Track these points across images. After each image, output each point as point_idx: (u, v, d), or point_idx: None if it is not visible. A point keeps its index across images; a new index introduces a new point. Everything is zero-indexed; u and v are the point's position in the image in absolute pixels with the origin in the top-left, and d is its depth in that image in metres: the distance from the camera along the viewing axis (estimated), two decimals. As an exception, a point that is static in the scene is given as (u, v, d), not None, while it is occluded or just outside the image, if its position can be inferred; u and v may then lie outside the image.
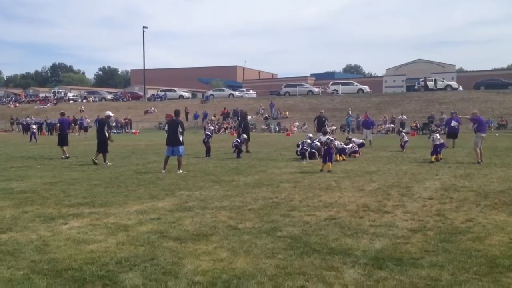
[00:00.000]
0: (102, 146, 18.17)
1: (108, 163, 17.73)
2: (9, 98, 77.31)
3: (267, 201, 9.93)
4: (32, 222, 8.13)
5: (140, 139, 36.54)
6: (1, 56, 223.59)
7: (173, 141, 15.23)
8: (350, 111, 46.30)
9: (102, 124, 18.63)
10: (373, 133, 30.39)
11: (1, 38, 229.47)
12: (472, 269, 5.45)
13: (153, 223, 7.99)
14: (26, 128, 46.73)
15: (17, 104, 71.78)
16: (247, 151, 21.17)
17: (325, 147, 15.35)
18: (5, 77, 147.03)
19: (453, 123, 25.26)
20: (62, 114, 23.43)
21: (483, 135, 17.67)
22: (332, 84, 62.02)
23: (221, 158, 19.93)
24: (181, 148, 15.25)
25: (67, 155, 20.50)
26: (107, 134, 18.29)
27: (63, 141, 21.13)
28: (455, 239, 6.76)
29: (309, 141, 19.02)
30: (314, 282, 5.10)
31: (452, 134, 25.06)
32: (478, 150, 17.15)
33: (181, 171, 14.87)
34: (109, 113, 19.51)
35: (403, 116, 43.26)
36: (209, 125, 33.08)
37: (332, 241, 6.67)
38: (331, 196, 10.41)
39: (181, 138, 15.23)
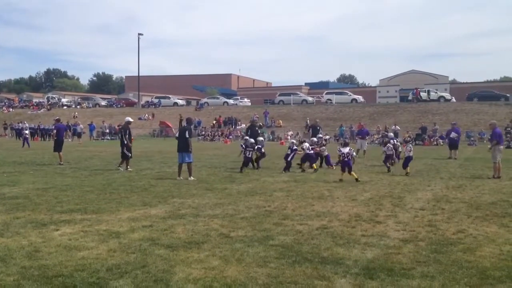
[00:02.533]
0: (125, 152, 18.45)
1: (130, 169, 18.08)
2: (2, 103, 76.88)
3: (260, 209, 9.93)
4: (23, 228, 8.08)
5: (134, 146, 36.42)
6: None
7: (182, 147, 15.42)
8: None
9: (124, 131, 18.68)
10: (367, 143, 30.47)
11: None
12: (463, 280, 5.46)
13: (145, 231, 7.97)
14: (19, 133, 46.49)
15: (10, 109, 71.45)
16: (257, 166, 18.90)
17: (346, 159, 15.27)
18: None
19: (453, 135, 25.34)
20: (58, 120, 23.23)
21: (501, 147, 16.89)
22: (326, 93, 62.21)
23: (214, 165, 19.91)
24: (190, 155, 15.35)
25: (61, 162, 20.41)
26: (125, 140, 18.34)
27: (59, 147, 21.04)
28: (446, 250, 6.78)
29: (307, 144, 18.77)
30: (305, 291, 5.11)
31: (452, 145, 25.11)
32: (497, 164, 16.27)
33: (192, 178, 14.93)
34: (129, 119, 19.27)
35: (396, 126, 43.43)
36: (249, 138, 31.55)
37: (324, 250, 6.67)
38: (323, 206, 10.43)
39: (189, 145, 15.41)
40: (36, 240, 7.26)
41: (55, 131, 21.95)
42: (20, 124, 51.98)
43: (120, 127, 19.71)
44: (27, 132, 38.20)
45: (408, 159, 17.15)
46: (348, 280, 5.42)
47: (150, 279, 5.49)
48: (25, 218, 8.86)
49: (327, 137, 22.22)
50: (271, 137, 47.24)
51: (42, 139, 49.08)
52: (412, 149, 17.73)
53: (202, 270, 5.83)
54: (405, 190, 13.03)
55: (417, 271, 5.73)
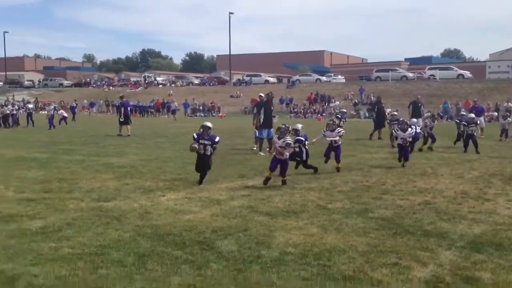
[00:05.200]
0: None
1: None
2: (103, 82, 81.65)
3: (357, 184, 9.87)
4: (133, 193, 8.71)
5: (225, 123, 37.41)
6: (95, 42, 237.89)
7: (269, 124, 15.64)
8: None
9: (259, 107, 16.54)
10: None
11: (96, 25, 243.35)
12: None
13: (244, 199, 8.26)
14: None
15: (111, 88, 75.60)
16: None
17: (405, 143, 12.72)
18: (98, 62, 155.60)
19: None
20: (122, 97, 25.48)
21: None
22: (429, 69, 58.92)
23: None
24: (272, 130, 15.61)
25: (129, 133, 22.25)
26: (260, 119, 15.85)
27: (125, 120, 22.98)
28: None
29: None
30: (408, 260, 5.08)
31: None
32: None
33: (262, 153, 15.20)
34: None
35: (509, 103, 40.29)
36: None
37: (427, 224, 6.55)
38: (426, 182, 10.10)
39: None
40: (146, 203, 7.80)
41: (122, 108, 23.73)
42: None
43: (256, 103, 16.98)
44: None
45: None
46: (453, 252, 5.30)
47: (252, 241, 5.74)
48: (134, 185, 9.53)
49: (429, 113, 20.17)
50: (367, 115, 46.12)
51: (141, 115, 51.60)
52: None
53: (301, 236, 5.98)
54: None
55: (529, 247, 5.48)
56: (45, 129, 26.63)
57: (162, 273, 4.78)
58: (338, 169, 11.67)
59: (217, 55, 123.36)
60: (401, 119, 15.08)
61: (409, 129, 13.08)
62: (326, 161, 12.21)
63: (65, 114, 31.14)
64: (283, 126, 10.48)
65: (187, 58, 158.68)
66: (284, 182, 9.81)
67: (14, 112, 30.71)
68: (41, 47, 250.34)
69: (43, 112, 46.79)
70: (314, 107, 50.66)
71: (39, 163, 12.73)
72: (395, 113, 19.38)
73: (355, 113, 47.26)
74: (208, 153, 9.63)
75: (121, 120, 23.23)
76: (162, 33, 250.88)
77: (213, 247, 5.49)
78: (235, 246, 5.53)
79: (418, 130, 15.30)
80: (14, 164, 12.59)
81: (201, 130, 9.68)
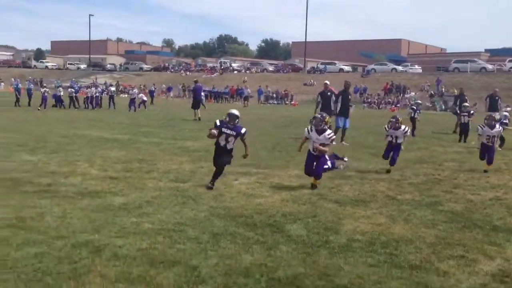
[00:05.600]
0: None
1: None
2: (181, 67, 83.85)
3: (429, 177, 9.79)
4: (207, 175, 9.11)
5: (298, 111, 37.53)
6: (175, 27, 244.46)
7: (346, 112, 15.55)
8: None
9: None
10: None
11: (175, 10, 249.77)
12: None
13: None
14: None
15: (188, 73, 77.62)
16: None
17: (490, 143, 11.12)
18: (176, 47, 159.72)
19: None
20: (196, 82, 26.73)
21: None
22: (509, 61, 56.16)
23: (380, 132, 19.71)
24: (349, 120, 15.61)
25: (199, 116, 23.25)
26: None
27: (196, 104, 24.13)
28: None
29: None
30: (475, 253, 5.13)
31: None
32: None
33: (344, 143, 15.07)
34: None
35: None
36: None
37: (496, 220, 6.51)
38: (499, 178, 9.87)
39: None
40: (219, 186, 8.21)
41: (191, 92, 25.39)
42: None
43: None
44: (202, 94, 41.49)
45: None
46: (523, 248, 5.28)
47: (321, 226, 5.97)
48: (208, 168, 9.93)
49: (509, 108, 19.29)
50: (443, 107, 44.70)
51: (215, 101, 52.75)
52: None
53: (369, 225, 6.13)
54: None
55: None
56: (125, 112, 28.01)
57: (235, 251, 5.12)
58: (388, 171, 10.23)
59: (292, 42, 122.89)
60: (486, 114, 13.62)
61: (497, 125, 11.38)
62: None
63: (145, 98, 32.47)
64: (320, 116, 9.01)
65: (263, 44, 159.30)
66: (314, 187, 8.38)
67: (97, 94, 32.37)
68: (122, 31, 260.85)
69: (124, 96, 49.03)
70: (389, 97, 49.60)
71: (120, 144, 13.51)
72: (467, 104, 18.80)
73: (430, 105, 45.87)
74: (230, 146, 8.36)
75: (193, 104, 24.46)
76: (239, 19, 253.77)
77: (283, 230, 5.79)
78: (304, 230, 5.79)
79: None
80: (97, 144, 13.35)
81: (227, 118, 8.34)
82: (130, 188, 8.02)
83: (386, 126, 10.88)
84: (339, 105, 15.59)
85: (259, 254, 5.05)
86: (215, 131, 8.22)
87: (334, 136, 9.03)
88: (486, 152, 10.88)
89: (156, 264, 4.73)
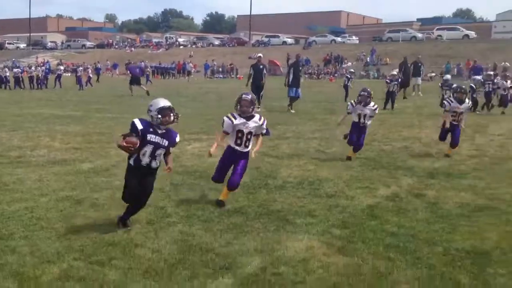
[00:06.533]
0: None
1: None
2: (125, 43, 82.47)
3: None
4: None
5: (243, 83, 38.71)
6: (117, 1, 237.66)
7: (298, 82, 16.94)
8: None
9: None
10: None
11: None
12: (506, 181, 6.77)
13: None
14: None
15: (132, 49, 76.53)
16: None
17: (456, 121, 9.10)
18: (120, 22, 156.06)
19: None
20: (127, 64, 28.11)
21: None
22: (437, 29, 59.52)
23: (318, 100, 21.39)
24: (300, 90, 17.11)
25: (147, 90, 24.51)
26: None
27: (134, 80, 25.44)
28: (505, 163, 8.08)
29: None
30: (377, 184, 6.77)
31: None
32: None
33: (292, 110, 16.59)
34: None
35: (506, 63, 40.23)
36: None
37: (400, 162, 8.24)
38: (410, 132, 11.83)
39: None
40: (175, 150, 9.39)
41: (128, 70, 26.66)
42: (142, 63, 56.43)
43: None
44: (149, 70, 41.90)
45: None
46: (413, 179, 6.99)
47: (262, 175, 7.44)
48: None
49: (433, 74, 21.57)
50: (376, 75, 47.18)
51: (162, 77, 52.99)
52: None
53: (301, 171, 7.68)
54: (492, 121, 13.81)
55: (472, 175, 7.19)
56: (72, 91, 28.34)
57: (193, 196, 6.47)
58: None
59: (237, 15, 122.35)
60: (454, 85, 13.01)
61: (467, 100, 9.35)
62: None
63: (91, 75, 32.73)
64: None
65: (208, 18, 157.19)
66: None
67: (43, 74, 32.11)
68: (62, 7, 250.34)
69: (67, 74, 48.55)
70: (327, 68, 51.60)
71: (75, 120, 14.20)
72: (394, 72, 20.11)
73: (365, 73, 48.24)
74: (156, 164, 5.36)
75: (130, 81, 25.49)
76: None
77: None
78: (249, 178, 7.13)
79: None
80: (53, 121, 13.89)
81: (158, 114, 5.28)
82: (94, 155, 8.99)
83: (352, 101, 9.14)
84: (291, 76, 16.84)
85: (212, 196, 6.40)
86: (135, 140, 5.14)
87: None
88: (451, 132, 8.88)
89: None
